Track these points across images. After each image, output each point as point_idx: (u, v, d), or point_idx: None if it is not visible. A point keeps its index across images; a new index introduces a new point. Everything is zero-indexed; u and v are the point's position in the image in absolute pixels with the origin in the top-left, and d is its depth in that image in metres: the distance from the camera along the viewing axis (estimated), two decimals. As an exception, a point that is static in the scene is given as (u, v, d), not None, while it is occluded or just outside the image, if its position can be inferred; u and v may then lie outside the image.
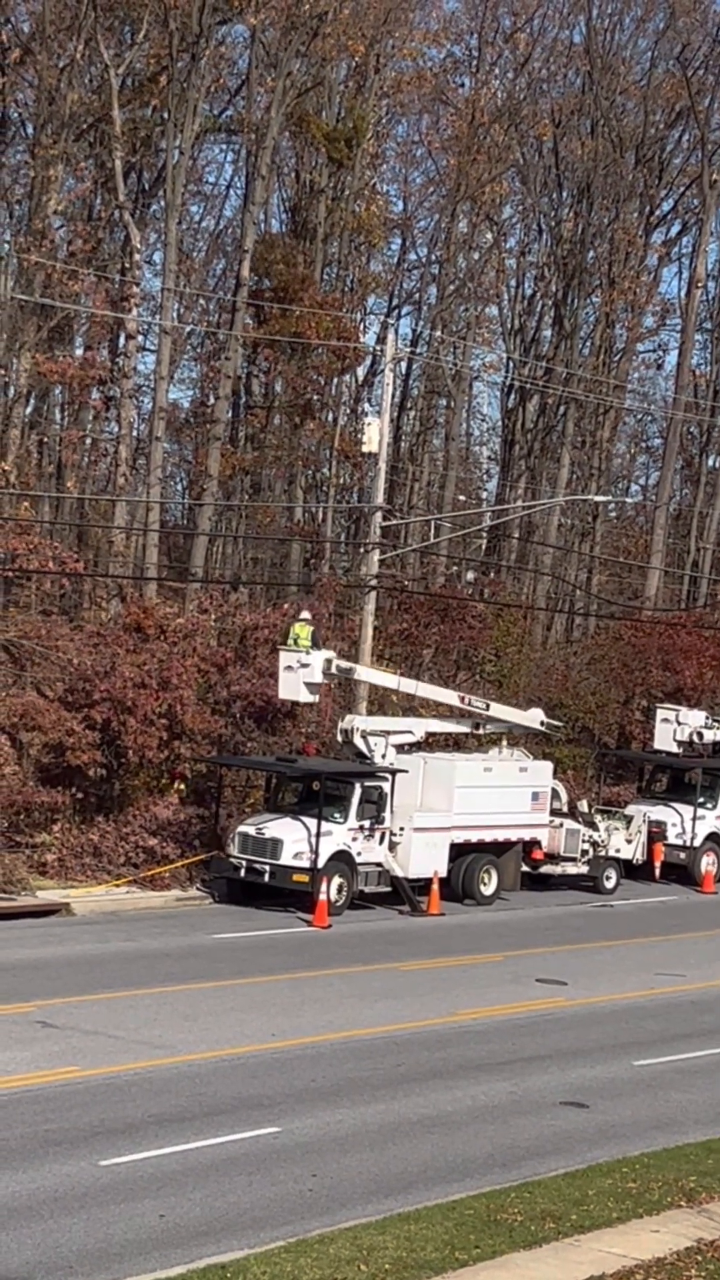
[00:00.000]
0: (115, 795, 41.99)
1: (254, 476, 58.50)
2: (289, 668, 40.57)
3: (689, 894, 48.29)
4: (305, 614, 42.26)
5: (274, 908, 39.26)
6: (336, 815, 40.04)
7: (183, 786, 42.92)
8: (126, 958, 33.18)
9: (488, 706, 46.10)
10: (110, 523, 51.76)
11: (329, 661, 40.75)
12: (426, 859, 41.54)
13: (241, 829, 40.13)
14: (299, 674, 40.42)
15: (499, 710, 46.59)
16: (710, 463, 76.41)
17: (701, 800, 49.79)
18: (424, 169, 68.15)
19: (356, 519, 59.01)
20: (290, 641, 41.01)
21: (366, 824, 40.44)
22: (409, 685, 42.59)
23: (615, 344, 69.67)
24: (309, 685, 40.47)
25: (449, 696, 45.56)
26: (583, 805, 47.66)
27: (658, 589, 67.69)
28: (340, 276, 60.74)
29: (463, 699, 45.42)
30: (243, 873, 39.52)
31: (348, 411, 61.74)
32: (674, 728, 50.82)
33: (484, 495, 74.82)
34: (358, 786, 40.54)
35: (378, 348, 56.62)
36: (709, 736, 50.92)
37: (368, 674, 42.13)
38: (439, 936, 38.67)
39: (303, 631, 41.09)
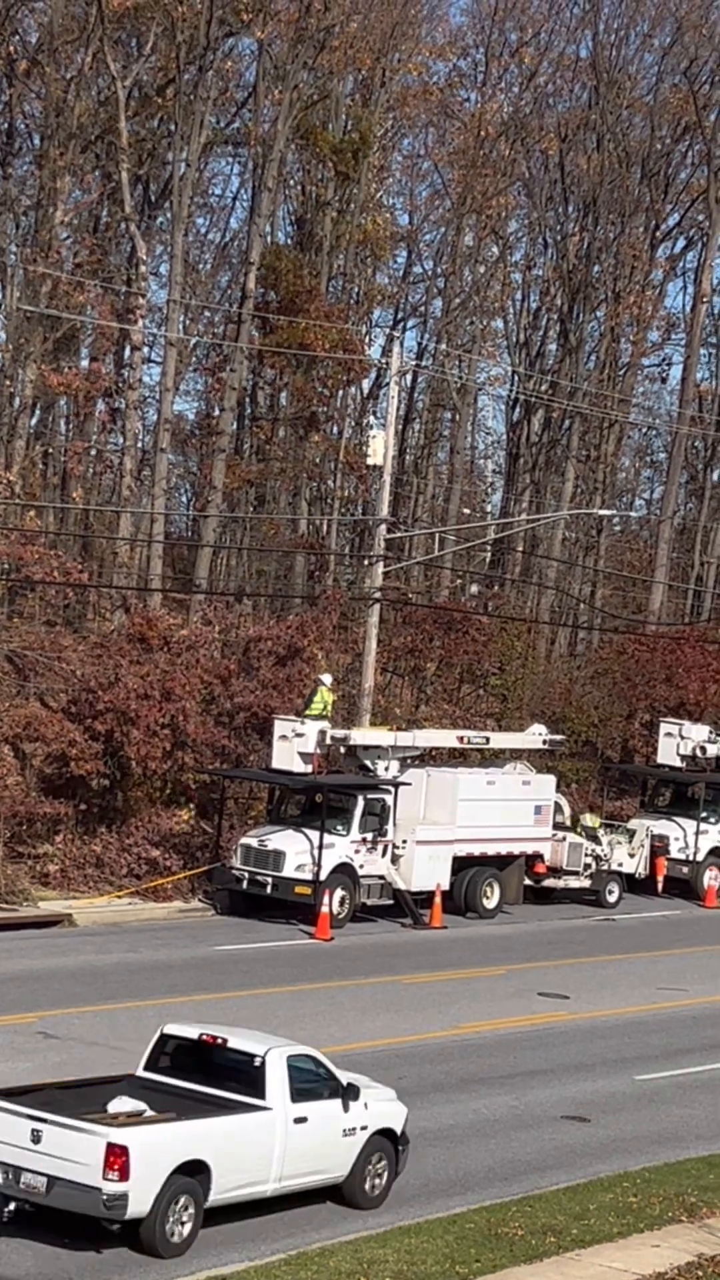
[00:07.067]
0: (118, 806, 41.99)
1: (259, 488, 58.51)
2: (284, 737, 40.72)
3: (692, 908, 48.27)
4: (326, 678, 42.39)
5: (276, 920, 39.25)
6: (339, 827, 40.05)
7: (192, 807, 42.88)
8: (129, 969, 33.18)
9: (487, 741, 46.20)
10: (115, 534, 51.78)
11: (323, 733, 40.88)
12: (429, 872, 41.54)
13: (244, 841, 40.15)
14: (293, 744, 40.55)
15: (500, 741, 46.67)
16: (715, 477, 76.39)
17: (704, 815, 49.80)
18: (429, 182, 68.24)
19: (361, 531, 59.02)
20: (317, 705, 41.15)
21: (369, 836, 40.46)
22: (406, 738, 42.67)
23: (620, 358, 69.65)
24: (303, 755, 40.57)
25: (449, 739, 45.63)
26: (585, 819, 47.65)
27: (661, 603, 67.68)
28: (346, 289, 60.78)
29: (462, 739, 45.47)
30: (245, 884, 39.53)
31: (353, 424, 61.77)
32: (677, 742, 50.85)
33: (488, 509, 74.82)
34: (360, 799, 40.56)
35: (383, 360, 56.68)
36: (712, 751, 50.92)
37: (363, 736, 42.21)
38: (441, 949, 38.66)
39: (329, 698, 41.41)
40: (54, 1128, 18.49)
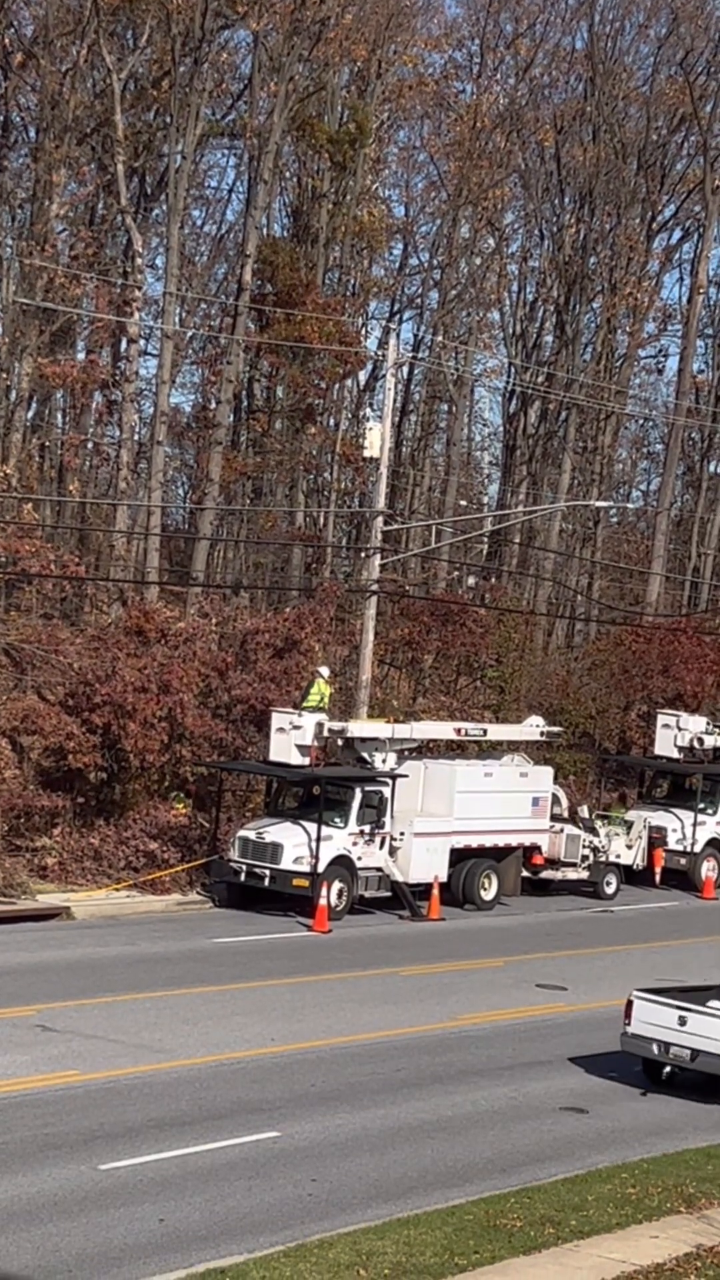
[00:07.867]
0: (115, 799, 41.98)
1: (255, 481, 58.51)
2: (281, 729, 40.65)
3: (689, 899, 48.29)
4: (323, 670, 42.34)
5: (274, 912, 39.25)
6: (337, 820, 40.05)
7: (188, 801, 42.82)
8: (126, 962, 33.18)
9: (485, 732, 46.18)
10: (112, 527, 51.76)
11: (320, 725, 40.80)
12: (427, 864, 41.55)
13: (242, 833, 40.15)
14: (290, 736, 40.49)
15: (497, 733, 46.65)
16: (711, 468, 76.45)
17: (702, 806, 49.80)
18: (425, 174, 68.26)
19: (358, 524, 59.02)
20: (314, 697, 41.12)
21: (367, 829, 40.45)
22: (403, 730, 42.62)
23: (616, 349, 69.68)
24: (300, 747, 40.54)
25: (446, 731, 45.60)
26: (583, 810, 47.66)
27: (659, 595, 67.72)
28: (342, 281, 60.78)
29: (459, 730, 45.45)
30: (243, 877, 39.52)
31: (349, 416, 61.77)
32: (674, 733, 50.83)
33: (485, 500, 74.83)
34: (358, 791, 40.56)
35: (379, 352, 56.70)
36: (709, 742, 50.90)
37: (360, 729, 42.16)
38: (439, 941, 38.67)
39: (326, 690, 41.33)
40: (697, 1015, 26.18)
